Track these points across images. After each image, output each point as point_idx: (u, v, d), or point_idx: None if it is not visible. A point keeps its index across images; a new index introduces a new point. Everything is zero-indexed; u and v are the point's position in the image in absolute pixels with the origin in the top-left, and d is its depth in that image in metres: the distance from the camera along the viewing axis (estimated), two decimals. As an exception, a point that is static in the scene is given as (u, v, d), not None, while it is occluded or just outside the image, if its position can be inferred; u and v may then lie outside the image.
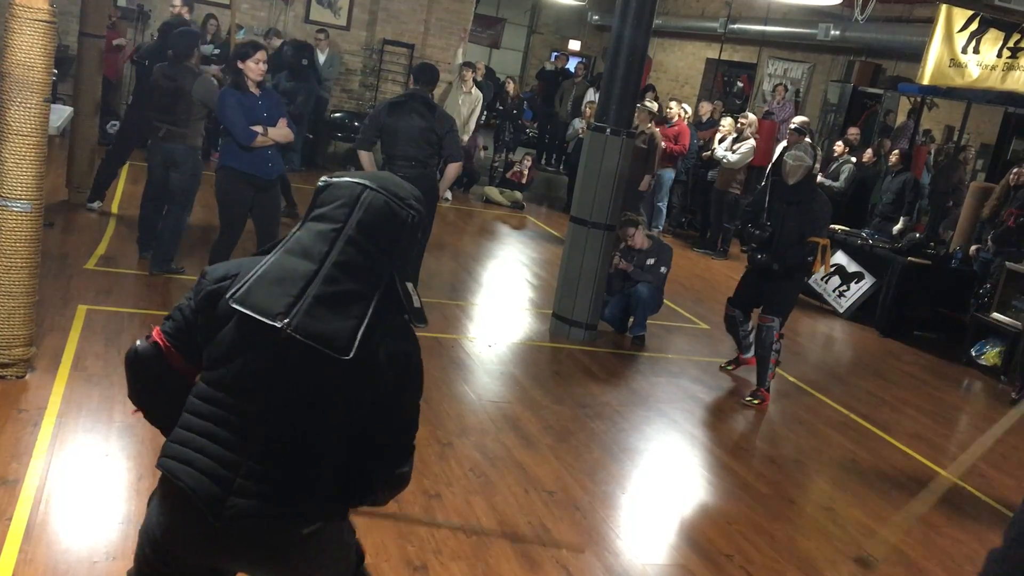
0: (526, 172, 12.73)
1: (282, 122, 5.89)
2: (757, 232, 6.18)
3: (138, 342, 2.17)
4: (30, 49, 4.23)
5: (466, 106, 11.18)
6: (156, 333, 2.14)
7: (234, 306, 1.98)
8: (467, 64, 11.57)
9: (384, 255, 2.04)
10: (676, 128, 11.26)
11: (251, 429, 2.00)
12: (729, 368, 6.82)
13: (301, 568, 2.10)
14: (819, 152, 5.67)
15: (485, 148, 12.63)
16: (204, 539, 2.02)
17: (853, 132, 11.56)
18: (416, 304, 2.11)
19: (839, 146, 11.18)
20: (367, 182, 2.05)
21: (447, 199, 11.22)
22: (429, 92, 6.42)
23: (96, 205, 7.99)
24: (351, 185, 2.05)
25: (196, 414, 2.05)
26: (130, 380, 2.20)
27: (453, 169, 6.54)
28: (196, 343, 2.09)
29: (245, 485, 1.98)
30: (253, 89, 5.78)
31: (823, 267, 6.23)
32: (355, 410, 2.05)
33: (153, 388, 2.19)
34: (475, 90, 11.47)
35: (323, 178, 2.11)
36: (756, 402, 6.18)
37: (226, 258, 6.06)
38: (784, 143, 10.51)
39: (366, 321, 1.98)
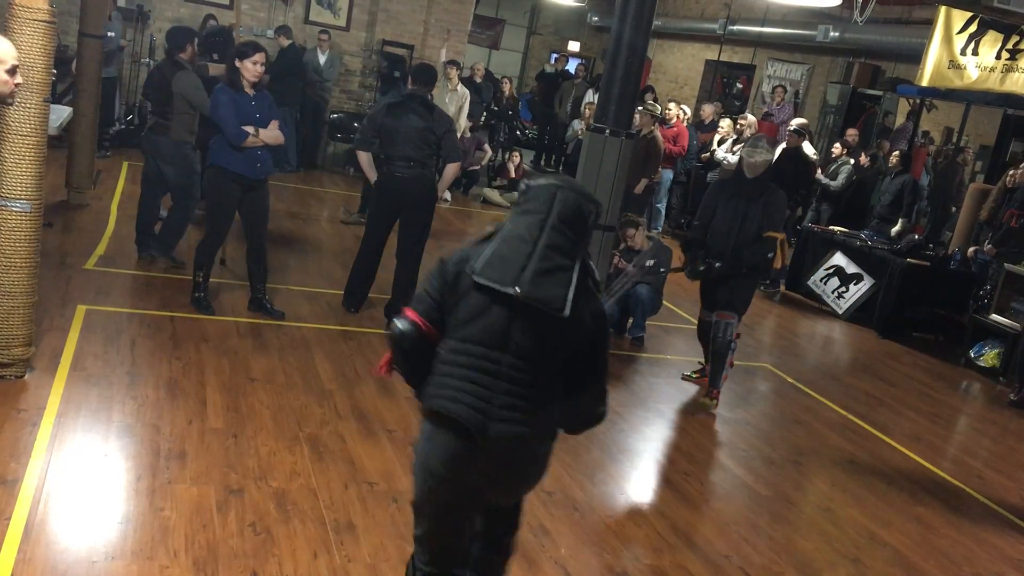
0: (513, 169, 12.76)
1: (273, 124, 5.87)
2: (693, 235, 6.10)
3: (399, 324, 2.71)
4: (30, 49, 4.23)
5: (453, 104, 11.22)
6: (412, 315, 2.70)
7: (476, 279, 2.57)
8: (451, 62, 11.61)
9: (578, 238, 2.64)
10: (675, 129, 11.27)
11: (499, 370, 2.59)
12: (694, 376, 6.52)
13: (532, 477, 2.76)
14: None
15: (481, 148, 12.58)
16: (471, 458, 2.61)
17: (851, 133, 11.57)
18: (598, 277, 2.73)
19: (837, 148, 11.19)
20: (559, 183, 2.68)
21: (447, 200, 11.23)
22: (428, 93, 6.42)
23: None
24: (548, 187, 2.67)
25: (454, 364, 2.63)
26: (396, 355, 2.74)
27: (452, 169, 6.54)
28: (443, 316, 2.67)
29: (500, 412, 2.58)
30: (248, 89, 5.79)
31: (782, 261, 6.16)
32: (571, 353, 2.64)
33: (416, 358, 2.72)
34: (461, 87, 11.50)
35: (524, 182, 2.76)
36: (712, 404, 5.97)
37: (212, 256, 6.07)
38: (784, 145, 10.52)
39: (572, 287, 2.56)
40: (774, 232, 5.81)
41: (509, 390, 2.60)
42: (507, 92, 14.80)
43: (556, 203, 2.63)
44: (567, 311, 2.54)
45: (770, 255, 5.80)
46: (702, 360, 6.42)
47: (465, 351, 2.63)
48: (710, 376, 6.08)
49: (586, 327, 2.64)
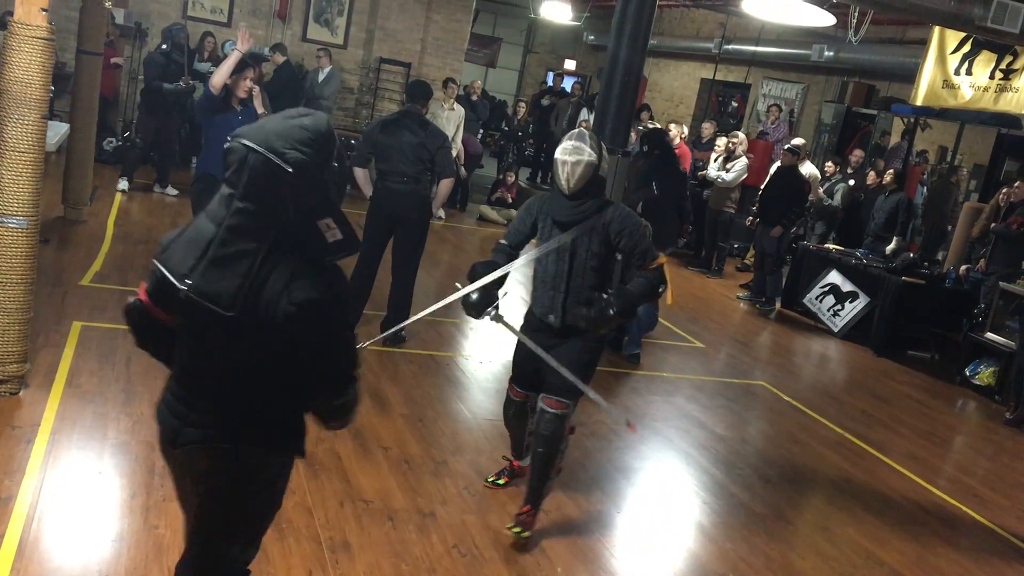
0: (507, 186, 12.84)
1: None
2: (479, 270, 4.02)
3: (130, 298, 2.43)
4: (28, 66, 4.24)
5: (450, 123, 11.29)
6: (141, 289, 2.39)
7: (154, 262, 2.23)
8: (449, 80, 11.68)
9: (272, 212, 2.15)
10: (677, 150, 11.28)
11: (191, 370, 2.30)
12: (501, 483, 4.56)
13: (234, 493, 2.34)
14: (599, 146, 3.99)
15: (462, 165, 12.31)
16: (174, 465, 2.42)
17: (858, 154, 11.61)
18: (331, 239, 2.20)
19: (830, 166, 11.25)
20: (250, 142, 2.15)
21: (440, 217, 11.25)
22: (423, 108, 6.47)
23: None
24: (240, 149, 2.16)
25: (175, 360, 2.38)
26: (129, 330, 2.48)
27: (446, 185, 6.57)
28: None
29: (195, 418, 2.28)
30: (235, 104, 5.84)
31: (668, 294, 4.26)
32: (259, 353, 2.20)
33: (144, 336, 2.46)
34: (457, 105, 11.56)
35: (228, 136, 2.22)
36: (524, 535, 4.05)
37: None
38: (779, 163, 10.57)
39: (251, 279, 2.13)
40: (655, 260, 4.03)
41: (203, 394, 2.28)
42: (521, 115, 14.87)
43: (244, 171, 2.15)
44: (234, 310, 2.12)
45: (661, 289, 4.07)
46: (509, 455, 4.65)
47: (176, 348, 2.36)
48: (529, 488, 4.16)
49: (283, 321, 2.13)
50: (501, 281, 3.95)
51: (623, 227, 3.97)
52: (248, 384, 2.25)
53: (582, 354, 4.11)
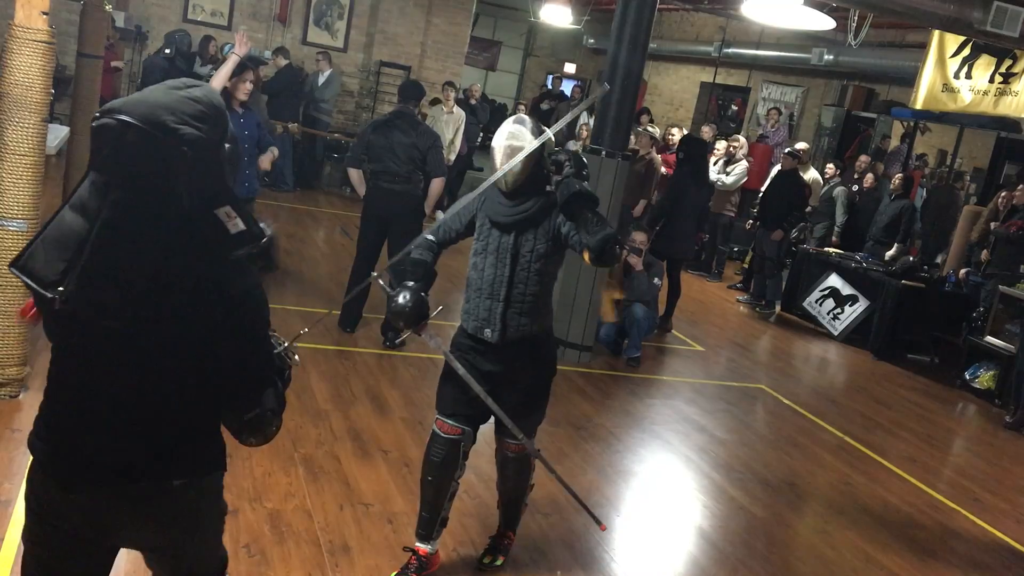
0: None
1: (266, 158, 6.16)
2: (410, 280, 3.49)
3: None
4: (28, 69, 4.25)
5: (449, 126, 11.31)
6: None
7: (12, 270, 1.87)
8: (448, 84, 11.70)
9: (161, 201, 1.81)
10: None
11: (80, 398, 1.94)
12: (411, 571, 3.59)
13: (182, 525, 2.05)
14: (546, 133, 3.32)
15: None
16: (72, 510, 1.97)
17: (864, 160, 11.60)
18: (234, 230, 1.86)
19: (830, 169, 11.25)
20: (131, 119, 1.77)
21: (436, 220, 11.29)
22: (414, 108, 6.50)
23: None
24: (114, 126, 1.78)
25: (48, 387, 2.02)
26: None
27: (437, 185, 6.61)
28: None
29: (94, 455, 1.93)
30: (236, 107, 5.85)
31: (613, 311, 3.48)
32: (165, 367, 1.90)
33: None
34: (457, 109, 11.58)
35: (95, 113, 1.84)
36: (498, 562, 3.79)
37: None
38: (779, 166, 10.57)
39: (144, 281, 1.82)
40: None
41: (100, 425, 1.94)
42: None
43: (124, 152, 1.80)
44: (130, 320, 1.85)
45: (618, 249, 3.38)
46: (419, 542, 3.61)
47: (49, 373, 2.03)
48: (506, 520, 3.86)
49: (181, 324, 1.87)
50: (428, 287, 3.50)
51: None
52: (157, 405, 1.92)
53: (530, 404, 3.54)
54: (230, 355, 1.95)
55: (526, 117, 3.49)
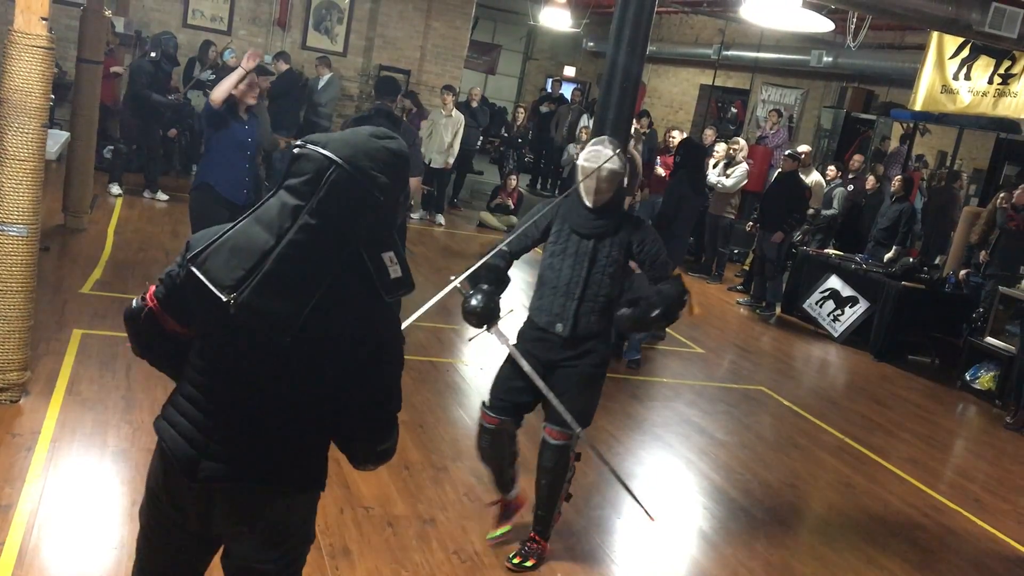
0: (508, 192, 12.80)
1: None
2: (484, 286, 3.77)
3: (134, 301, 2.20)
4: (28, 75, 4.26)
5: (448, 129, 11.32)
6: (150, 293, 2.15)
7: (191, 268, 1.96)
8: (447, 88, 11.70)
9: (344, 235, 1.96)
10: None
11: (219, 396, 2.04)
12: (504, 533, 4.09)
13: (267, 534, 2.10)
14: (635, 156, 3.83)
15: (428, 189, 11.52)
16: (185, 497, 2.08)
17: (858, 159, 11.62)
18: (393, 275, 2.01)
19: (832, 170, 11.27)
20: (336, 157, 1.94)
21: (440, 224, 11.30)
22: (391, 104, 6.49)
23: None
24: (319, 159, 1.95)
25: (187, 378, 2.11)
26: (128, 336, 2.24)
27: (413, 184, 6.61)
28: (188, 306, 2.07)
29: (217, 450, 2.03)
30: (242, 114, 5.81)
31: (694, 303, 3.88)
32: (310, 387, 2.02)
33: (148, 345, 2.22)
34: (456, 112, 11.60)
35: (297, 142, 2.01)
36: (528, 565, 3.90)
37: None
38: (780, 169, 10.58)
39: (312, 303, 1.92)
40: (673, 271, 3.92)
41: (230, 423, 2.04)
42: (520, 121, 14.85)
43: (322, 186, 1.93)
44: (289, 335, 1.93)
45: (685, 296, 3.86)
46: (501, 495, 4.09)
47: (196, 366, 2.09)
48: (538, 521, 3.98)
49: (336, 353, 1.99)
50: (501, 291, 3.77)
51: (645, 235, 3.82)
52: (290, 420, 2.05)
53: (583, 387, 3.80)
54: (375, 391, 2.07)
55: (607, 138, 3.90)
